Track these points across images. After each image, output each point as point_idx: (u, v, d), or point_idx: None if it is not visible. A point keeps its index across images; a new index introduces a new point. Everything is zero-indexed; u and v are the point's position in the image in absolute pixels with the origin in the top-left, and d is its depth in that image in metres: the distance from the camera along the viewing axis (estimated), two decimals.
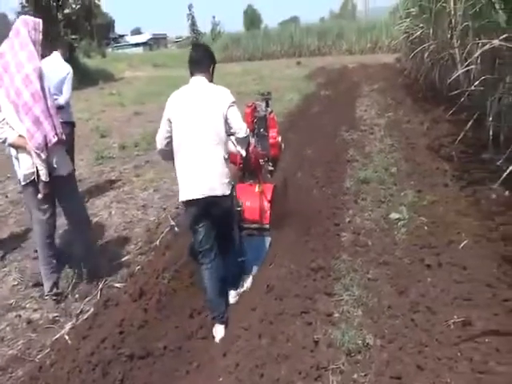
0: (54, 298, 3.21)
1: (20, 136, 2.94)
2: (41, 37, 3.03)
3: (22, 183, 3.08)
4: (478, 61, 6.08)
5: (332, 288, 3.04)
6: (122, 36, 55.77)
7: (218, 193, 2.79)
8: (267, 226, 3.57)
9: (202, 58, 2.94)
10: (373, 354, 2.44)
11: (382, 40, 30.19)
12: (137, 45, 48.37)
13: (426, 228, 3.83)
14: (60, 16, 21.01)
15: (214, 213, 2.85)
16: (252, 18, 48.58)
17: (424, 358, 2.34)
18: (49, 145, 2.93)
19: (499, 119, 5.30)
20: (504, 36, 4.55)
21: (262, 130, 3.83)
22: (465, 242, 3.40)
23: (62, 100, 4.54)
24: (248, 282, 3.30)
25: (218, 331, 2.87)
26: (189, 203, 2.84)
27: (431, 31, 9.64)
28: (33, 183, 3.00)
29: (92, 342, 2.64)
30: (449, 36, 8.17)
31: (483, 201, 4.17)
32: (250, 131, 3.17)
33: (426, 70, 10.43)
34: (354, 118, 8.54)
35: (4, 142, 3.01)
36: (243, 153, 3.09)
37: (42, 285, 3.32)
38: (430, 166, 5.38)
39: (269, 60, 30.65)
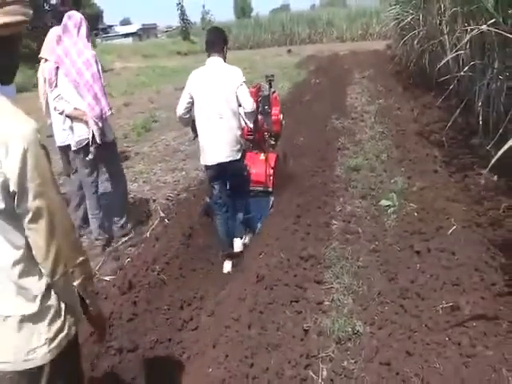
0: (103, 243, 3.90)
1: (75, 109, 3.56)
2: (87, 30, 3.64)
3: (73, 149, 3.73)
4: (467, 46, 6.05)
5: (322, 276, 3.05)
6: (110, 26, 54.86)
7: (230, 159, 3.40)
8: (270, 189, 4.21)
9: (216, 39, 3.44)
10: (363, 341, 2.45)
11: (372, 27, 29.99)
12: (126, 35, 47.63)
13: (415, 214, 3.84)
14: (46, 6, 20.68)
15: (227, 174, 3.52)
16: (242, 7, 48.02)
17: (413, 344, 2.35)
18: (104, 116, 3.62)
19: (488, 104, 5.30)
20: (492, 21, 4.52)
21: (265, 107, 4.27)
22: (454, 227, 3.41)
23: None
24: (249, 236, 3.89)
25: (225, 266, 3.62)
26: (207, 167, 3.55)
27: (421, 17, 9.56)
28: (84, 148, 3.64)
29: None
30: (438, 22, 8.11)
31: (472, 186, 4.18)
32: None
33: (416, 56, 10.35)
34: (344, 106, 8.51)
35: (61, 113, 3.65)
36: (250, 125, 3.63)
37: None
38: (419, 152, 5.38)
39: (260, 49, 30.37)
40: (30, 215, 1.24)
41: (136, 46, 36.34)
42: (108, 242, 3.97)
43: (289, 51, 22.10)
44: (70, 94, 3.56)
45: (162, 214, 4.48)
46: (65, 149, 4.12)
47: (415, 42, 10.05)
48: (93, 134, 3.57)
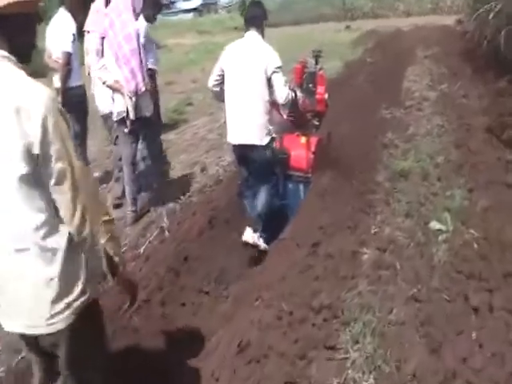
0: (134, 216, 3.94)
1: (116, 81, 3.61)
2: (141, 4, 3.69)
3: (115, 119, 3.77)
4: None
5: (337, 339, 2.25)
6: (173, 2, 54.83)
7: (254, 142, 3.24)
8: (310, 176, 3.84)
9: (255, 14, 3.33)
10: None
11: (443, 0, 27.37)
12: (187, 11, 47.30)
13: (475, 247, 2.90)
14: None
15: (249, 159, 3.37)
16: None
17: None
18: (139, 92, 3.61)
19: None
20: None
21: (310, 85, 4.02)
22: None
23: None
24: (263, 239, 3.45)
25: (246, 232, 3.41)
26: (231, 146, 3.50)
27: None
28: (123, 120, 3.69)
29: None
30: None
31: None
32: (298, 86, 3.86)
33: (491, 33, 8.89)
34: (400, 90, 7.37)
35: (104, 83, 3.71)
36: (285, 115, 3.51)
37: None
38: (487, 155, 4.32)
39: (318, 23, 28.77)
40: (54, 178, 1.34)
41: (193, 22, 35.91)
42: (139, 216, 4.00)
43: (347, 27, 20.52)
44: (112, 66, 3.62)
45: (165, 223, 3.83)
46: (106, 118, 4.25)
47: (490, 16, 8.60)
48: (127, 108, 3.61)
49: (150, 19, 4.18)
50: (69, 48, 4.19)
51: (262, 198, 3.50)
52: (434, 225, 3.24)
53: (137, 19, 3.65)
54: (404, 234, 3.22)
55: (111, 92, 3.77)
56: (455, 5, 22.91)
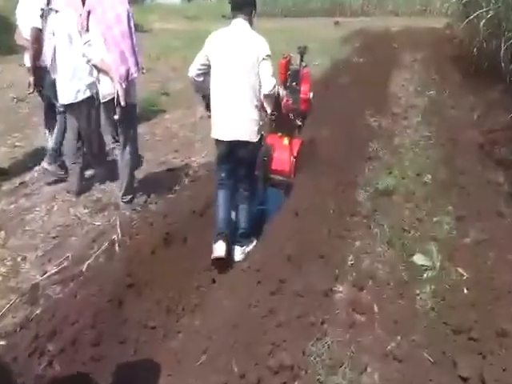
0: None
1: (103, 60, 3.33)
2: None
3: (102, 100, 3.52)
4: None
5: None
6: None
7: (245, 138, 2.97)
8: (291, 180, 3.59)
9: (244, 2, 3.01)
10: None
11: (433, 1, 27.16)
12: None
13: (464, 291, 2.53)
14: None
15: (237, 156, 3.05)
16: None
17: None
18: (130, 78, 3.36)
19: None
20: None
21: (294, 83, 3.86)
22: None
23: None
24: (253, 242, 3.21)
25: (217, 247, 2.96)
26: (217, 141, 3.08)
27: None
28: (108, 103, 3.46)
29: None
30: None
31: None
32: (282, 83, 3.63)
33: (482, 39, 8.59)
34: (386, 95, 7.01)
35: (88, 61, 3.42)
36: (269, 109, 3.12)
37: None
38: (477, 175, 3.97)
39: (307, 18, 28.24)
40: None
41: (181, 7, 34.89)
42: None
43: (336, 23, 20.13)
44: (98, 43, 3.32)
45: (117, 234, 3.36)
46: (71, 106, 3.89)
47: (481, 22, 8.29)
48: (117, 94, 3.33)
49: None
50: (37, 23, 3.86)
51: (244, 213, 3.20)
52: (419, 259, 2.87)
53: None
54: (385, 267, 2.84)
55: (95, 72, 3.47)
56: (444, 7, 22.67)
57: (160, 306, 2.71)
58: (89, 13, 3.34)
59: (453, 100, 6.49)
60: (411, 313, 2.43)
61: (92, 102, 3.80)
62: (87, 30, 3.38)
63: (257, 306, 2.28)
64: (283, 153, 3.61)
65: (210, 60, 2.98)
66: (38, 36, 3.88)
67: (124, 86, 3.32)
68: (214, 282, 2.90)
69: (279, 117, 3.59)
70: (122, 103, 3.34)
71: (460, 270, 2.72)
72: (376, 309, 2.46)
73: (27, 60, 4.09)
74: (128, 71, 3.34)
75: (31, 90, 4.18)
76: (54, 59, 3.78)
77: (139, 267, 2.81)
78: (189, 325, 2.63)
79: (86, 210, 3.84)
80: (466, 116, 5.72)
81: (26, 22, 3.98)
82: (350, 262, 2.85)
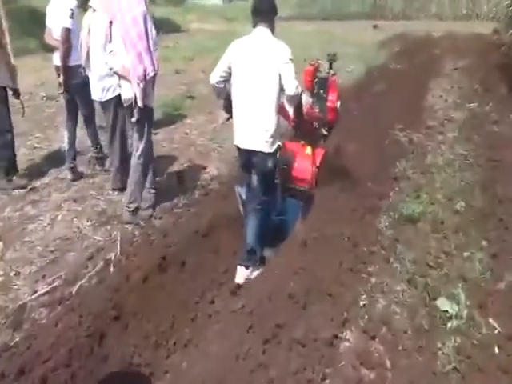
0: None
1: (123, 66, 3.40)
2: None
3: (125, 105, 3.56)
4: None
5: None
6: None
7: (259, 148, 2.93)
8: (312, 191, 3.43)
9: (266, 8, 3.00)
10: None
11: (480, 5, 25.95)
12: None
13: (495, 351, 2.15)
14: None
15: (254, 165, 3.03)
16: None
17: None
18: (147, 77, 3.38)
19: None
20: None
21: (321, 91, 3.75)
22: None
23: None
24: (258, 269, 3.01)
25: (238, 272, 2.96)
26: (237, 148, 3.09)
27: None
28: (128, 108, 3.52)
29: None
30: None
31: None
32: (308, 91, 3.53)
33: None
34: (422, 107, 6.54)
35: (111, 69, 3.51)
36: (291, 112, 3.14)
37: None
38: None
39: (347, 21, 27.65)
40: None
41: (221, 8, 34.91)
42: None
43: (375, 27, 19.51)
44: (120, 51, 3.41)
45: (115, 253, 3.15)
46: (104, 104, 3.99)
47: None
48: (135, 96, 3.40)
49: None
50: (67, 24, 3.97)
51: (253, 228, 3.03)
52: (443, 303, 2.50)
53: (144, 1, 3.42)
54: (403, 311, 2.49)
55: (117, 79, 3.59)
56: (492, 11, 21.60)
57: (148, 340, 2.47)
58: (111, 23, 3.46)
59: (495, 114, 5.97)
60: (430, 372, 2.08)
61: (120, 101, 3.76)
62: (110, 39, 3.50)
63: (246, 359, 1.99)
64: (305, 162, 3.46)
65: (231, 67, 2.96)
66: (67, 36, 3.98)
67: (142, 86, 3.36)
68: (210, 317, 2.62)
69: (302, 124, 3.49)
70: (140, 104, 3.39)
71: (491, 321, 2.34)
72: (388, 364, 2.13)
73: (56, 59, 4.14)
74: (145, 71, 3.37)
75: (61, 90, 4.23)
76: (87, 57, 3.87)
77: (128, 296, 2.58)
78: (178, 364, 2.38)
79: (90, 223, 3.66)
80: (509, 134, 5.21)
81: (56, 21, 4.06)
82: (362, 303, 2.51)
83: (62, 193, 4.19)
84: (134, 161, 3.65)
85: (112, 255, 3.14)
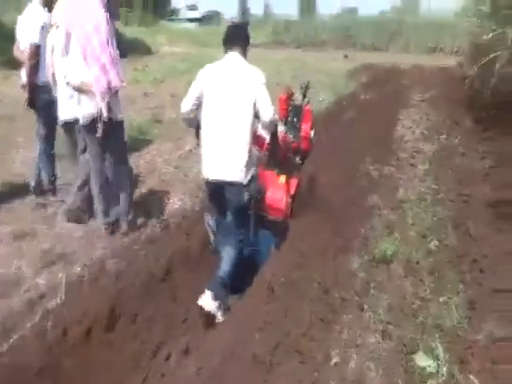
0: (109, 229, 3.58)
1: (82, 82, 3.22)
2: None
3: (82, 123, 3.38)
4: None
5: None
6: (177, 10, 54.27)
7: (234, 179, 2.79)
8: (285, 222, 3.40)
9: (237, 34, 2.95)
10: None
11: (444, 41, 27.06)
12: (191, 20, 46.81)
13: None
14: None
15: (227, 197, 2.88)
16: (308, 4, 45.59)
17: None
18: (112, 90, 3.24)
19: None
20: None
21: (295, 119, 3.71)
22: None
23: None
24: (223, 309, 2.75)
25: (205, 297, 2.69)
26: (206, 181, 2.93)
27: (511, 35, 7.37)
28: (91, 125, 3.30)
29: None
30: None
31: None
32: (281, 119, 3.49)
33: (496, 82, 8.14)
34: (392, 139, 6.49)
35: (68, 83, 3.34)
36: (267, 138, 3.09)
37: None
38: (492, 244, 3.39)
39: (318, 50, 28.24)
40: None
41: (193, 32, 35.09)
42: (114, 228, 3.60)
43: (345, 56, 20.01)
44: (79, 64, 3.22)
45: (58, 300, 2.80)
46: (69, 125, 3.76)
47: (497, 64, 7.86)
48: (100, 110, 3.22)
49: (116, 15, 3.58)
50: (36, 39, 3.81)
51: (227, 258, 2.92)
52: (421, 359, 2.28)
53: (105, 8, 3.26)
54: (377, 368, 2.24)
55: (76, 94, 3.41)
56: (456, 46, 22.48)
57: None
58: (69, 34, 3.26)
59: (463, 147, 5.95)
60: None
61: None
62: (67, 52, 3.31)
63: None
64: (279, 191, 3.38)
65: (203, 94, 2.85)
66: (34, 52, 3.82)
67: (107, 100, 3.21)
68: (163, 375, 2.31)
69: (276, 153, 3.43)
70: (105, 118, 3.21)
71: (472, 378, 2.13)
72: None
73: (23, 75, 3.98)
74: (109, 83, 3.22)
75: (26, 107, 4.07)
76: (53, 75, 3.70)
77: (67, 355, 2.24)
78: None
79: (33, 263, 3.29)
80: (477, 166, 5.17)
81: (24, 35, 3.93)
82: (333, 361, 2.26)
83: (7, 224, 3.81)
84: (114, 181, 3.56)
85: (53, 304, 2.77)
